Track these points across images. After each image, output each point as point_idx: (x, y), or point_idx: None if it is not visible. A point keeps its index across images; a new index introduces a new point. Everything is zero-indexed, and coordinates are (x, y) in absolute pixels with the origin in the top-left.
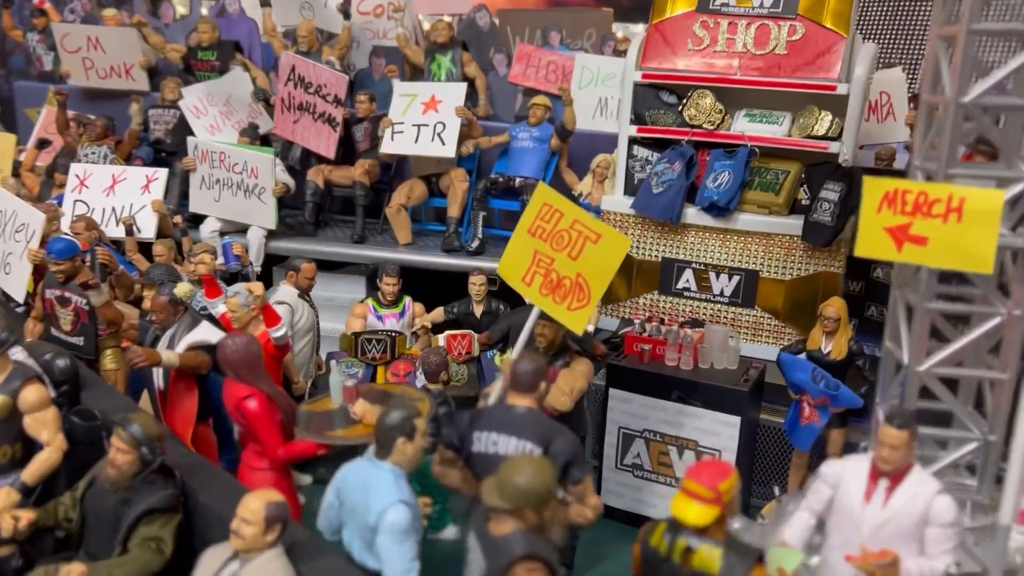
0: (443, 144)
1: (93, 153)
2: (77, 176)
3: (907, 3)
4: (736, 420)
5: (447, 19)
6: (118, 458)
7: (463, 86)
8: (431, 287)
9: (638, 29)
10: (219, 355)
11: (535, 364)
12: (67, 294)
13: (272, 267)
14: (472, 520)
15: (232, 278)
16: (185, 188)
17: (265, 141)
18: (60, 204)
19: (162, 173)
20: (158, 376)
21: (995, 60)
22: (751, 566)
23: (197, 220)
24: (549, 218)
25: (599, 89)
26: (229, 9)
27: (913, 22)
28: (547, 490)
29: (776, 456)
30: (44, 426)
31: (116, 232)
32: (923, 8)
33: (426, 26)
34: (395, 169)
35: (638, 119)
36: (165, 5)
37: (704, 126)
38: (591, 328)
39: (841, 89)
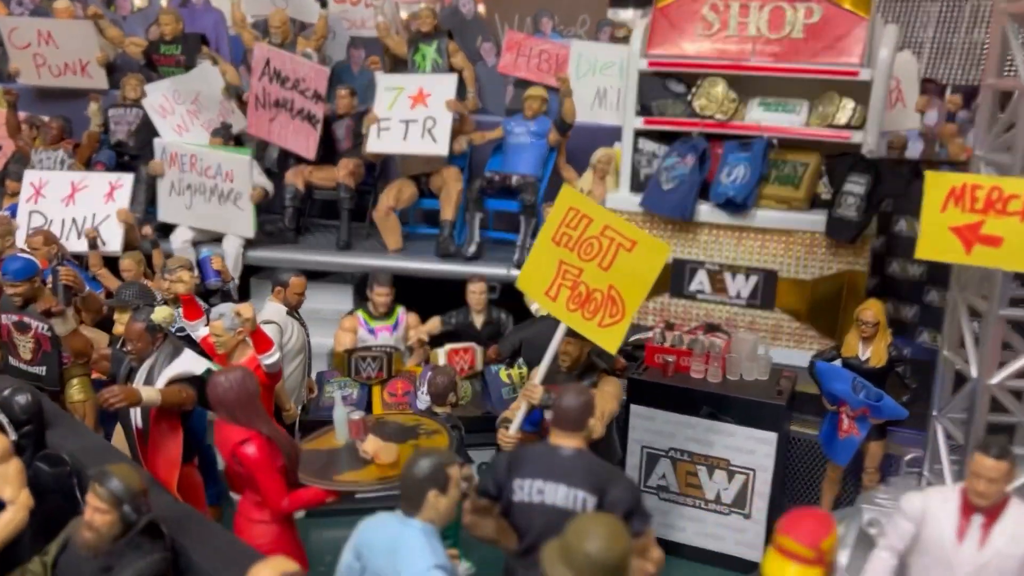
0: (434, 141)
1: (48, 158)
2: (32, 184)
3: None
4: (772, 436)
5: (429, 6)
6: (96, 519)
7: (454, 77)
8: (424, 296)
9: (627, 15)
10: (210, 395)
11: (583, 398)
12: (26, 319)
13: (250, 278)
14: None
15: (209, 294)
16: (152, 195)
17: (239, 142)
18: (14, 215)
19: (127, 179)
20: (136, 413)
21: None
22: None
23: (167, 230)
24: (576, 224)
25: (597, 79)
26: None
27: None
28: (624, 560)
29: (807, 471)
30: (5, 482)
31: (78, 246)
32: None
33: (403, 14)
34: (380, 169)
35: (644, 110)
36: None
37: (716, 116)
38: None
39: (864, 74)
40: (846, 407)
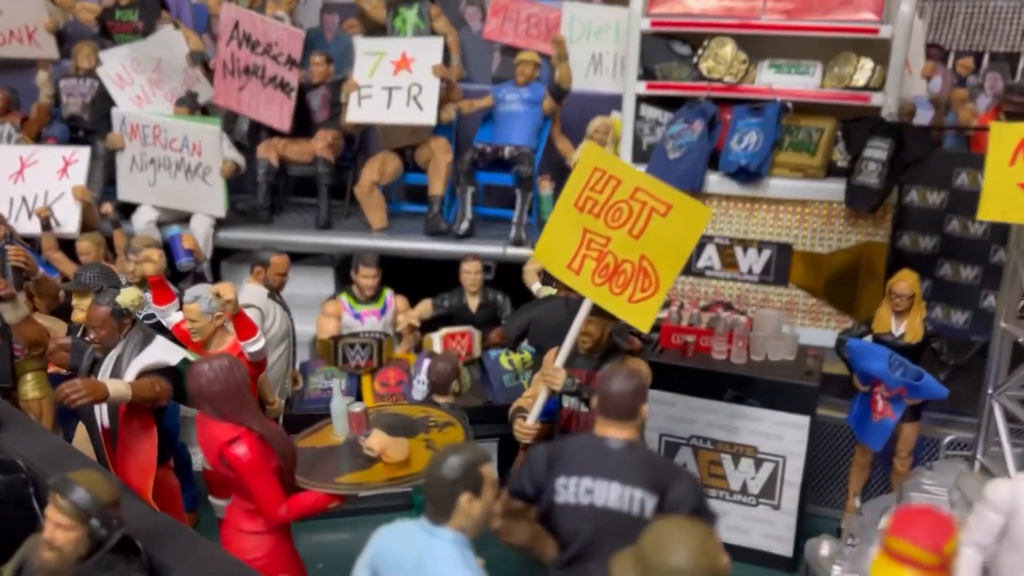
0: (421, 109)
1: None
2: None
3: None
4: (804, 421)
5: None
6: (58, 537)
7: (439, 41)
8: (411, 278)
9: None
10: (193, 387)
11: (634, 382)
12: None
13: (220, 262)
14: None
15: (179, 278)
16: (111, 173)
17: (205, 113)
18: None
19: (83, 153)
20: (101, 411)
21: None
22: None
23: (128, 210)
24: (602, 187)
25: (592, 43)
26: None
27: None
28: (715, 572)
29: (832, 456)
30: None
31: (29, 227)
32: None
33: None
34: (359, 143)
35: (646, 74)
36: None
37: (726, 79)
38: None
39: (884, 31)
40: (881, 387)
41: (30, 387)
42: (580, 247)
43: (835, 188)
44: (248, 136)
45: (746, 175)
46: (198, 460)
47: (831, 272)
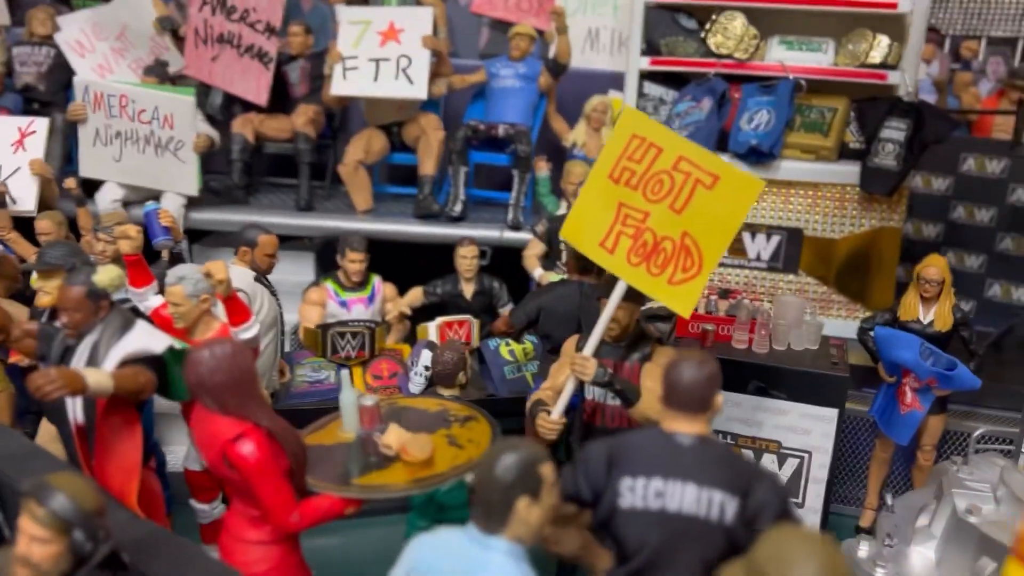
0: (411, 83)
1: None
2: None
3: None
4: (832, 413)
5: None
6: (34, 552)
7: (429, 11)
8: (398, 263)
9: None
10: (191, 377)
11: (706, 369)
12: None
13: (192, 245)
14: None
15: (152, 259)
16: (70, 147)
17: (175, 85)
18: None
19: (40, 124)
20: (74, 405)
21: None
22: None
23: (90, 188)
24: (641, 156)
25: (588, 18)
26: None
27: None
28: None
29: (851, 449)
30: None
31: None
32: None
33: None
34: (340, 119)
35: (650, 49)
36: None
37: (736, 55)
38: None
39: (903, 5)
40: (910, 378)
41: None
42: (615, 223)
43: (848, 171)
44: (222, 110)
45: (757, 155)
46: (171, 460)
47: (844, 258)
